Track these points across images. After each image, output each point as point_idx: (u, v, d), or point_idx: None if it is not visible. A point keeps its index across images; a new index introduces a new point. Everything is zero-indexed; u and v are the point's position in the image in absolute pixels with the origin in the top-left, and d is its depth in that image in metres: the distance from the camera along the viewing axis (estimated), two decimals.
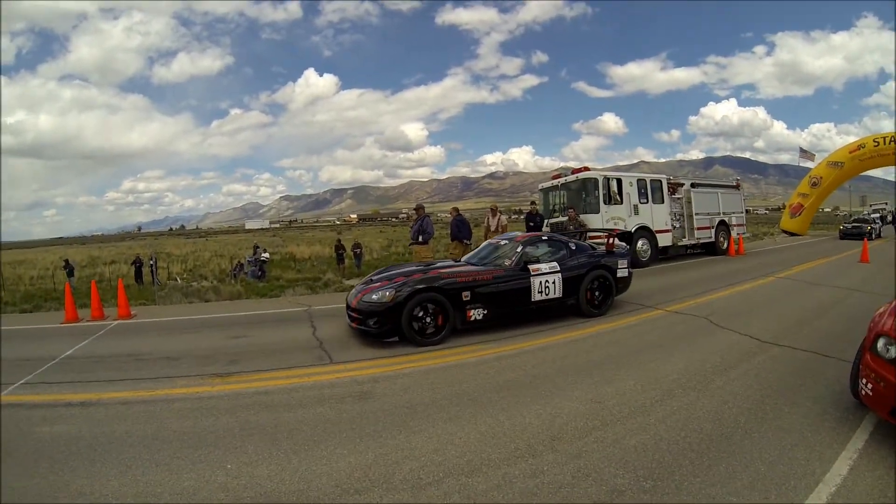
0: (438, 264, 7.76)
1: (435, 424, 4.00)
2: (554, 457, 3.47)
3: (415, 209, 12.23)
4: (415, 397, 4.58)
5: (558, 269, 7.24)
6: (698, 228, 16.63)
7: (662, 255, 14.74)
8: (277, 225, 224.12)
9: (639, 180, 14.51)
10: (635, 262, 11.99)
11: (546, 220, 14.26)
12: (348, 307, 6.76)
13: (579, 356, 5.76)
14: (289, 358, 6.06)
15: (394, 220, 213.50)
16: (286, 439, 3.89)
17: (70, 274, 23.02)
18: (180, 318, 9.44)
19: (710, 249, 17.51)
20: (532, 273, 7.01)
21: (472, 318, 6.49)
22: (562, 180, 14.98)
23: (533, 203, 14.94)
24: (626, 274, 8.10)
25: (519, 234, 8.50)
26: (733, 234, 18.06)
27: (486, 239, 13.16)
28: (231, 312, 9.81)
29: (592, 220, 12.82)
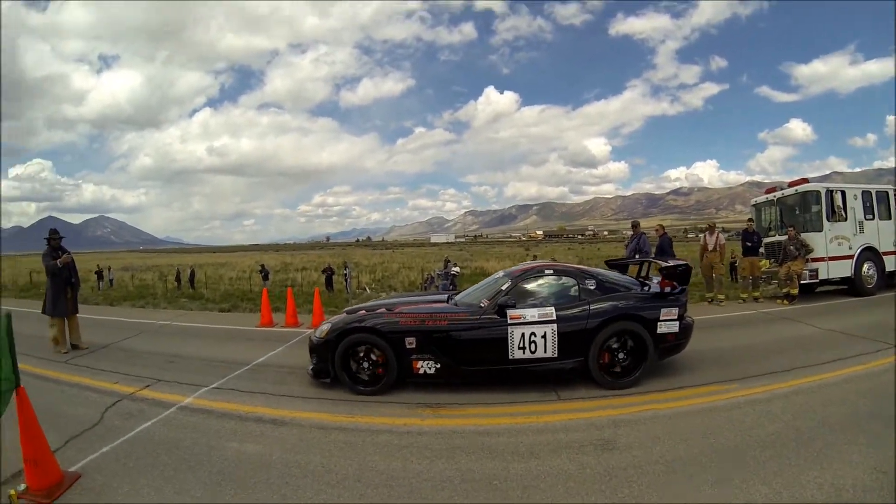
0: (414, 298, 6.95)
1: (700, 489, 3.44)
2: None
3: (632, 226, 12.25)
4: (668, 451, 4.03)
5: (553, 317, 5.57)
6: None
7: (890, 281, 13.31)
8: (462, 239, 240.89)
9: (864, 192, 13.48)
10: (859, 290, 11.69)
11: (762, 240, 13.69)
12: None
13: (845, 405, 4.92)
14: (509, 390, 5.54)
15: (580, 237, 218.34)
16: (520, 498, 3.37)
17: (265, 278, 25.41)
18: None
19: None
20: (510, 321, 5.53)
21: (421, 371, 5.58)
22: (777, 194, 14.38)
23: (749, 220, 14.31)
24: (675, 329, 5.80)
25: (533, 263, 7.01)
26: None
27: (701, 261, 12.26)
28: None
29: (815, 240, 12.24)
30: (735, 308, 10.77)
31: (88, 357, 7.57)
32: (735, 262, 16.37)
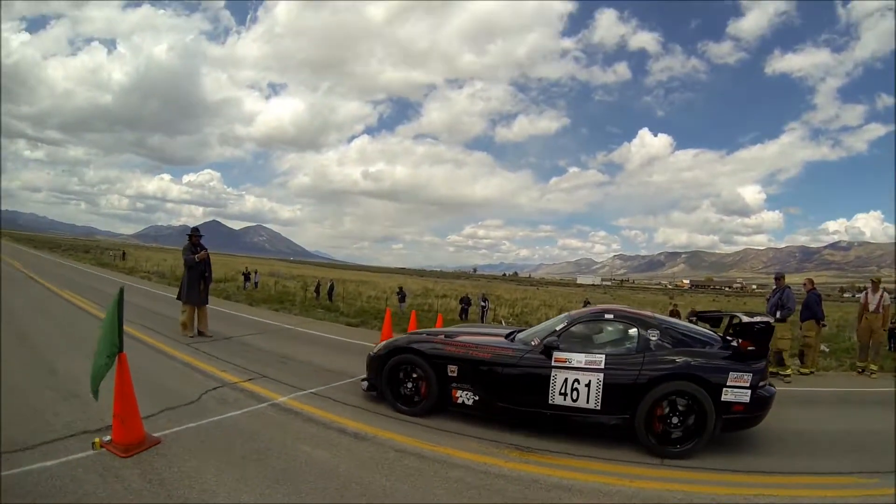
0: (478, 330, 7.27)
1: None
2: None
3: (775, 278, 11.25)
4: None
5: (601, 365, 5.28)
6: None
7: None
8: (609, 283, 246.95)
9: None
10: None
11: None
12: None
13: None
14: (610, 445, 5.22)
15: (727, 289, 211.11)
16: None
17: (402, 300, 27.11)
18: None
19: None
20: (555, 363, 5.36)
21: (460, 401, 5.66)
22: None
23: None
24: (745, 399, 5.08)
25: (600, 307, 6.43)
26: None
27: (859, 323, 10.75)
28: None
29: None
30: (888, 383, 9.21)
31: (209, 344, 8.55)
32: None
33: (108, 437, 3.98)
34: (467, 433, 5.18)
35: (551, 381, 5.33)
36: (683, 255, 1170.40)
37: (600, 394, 5.23)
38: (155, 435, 4.21)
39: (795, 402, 7.36)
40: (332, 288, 28.59)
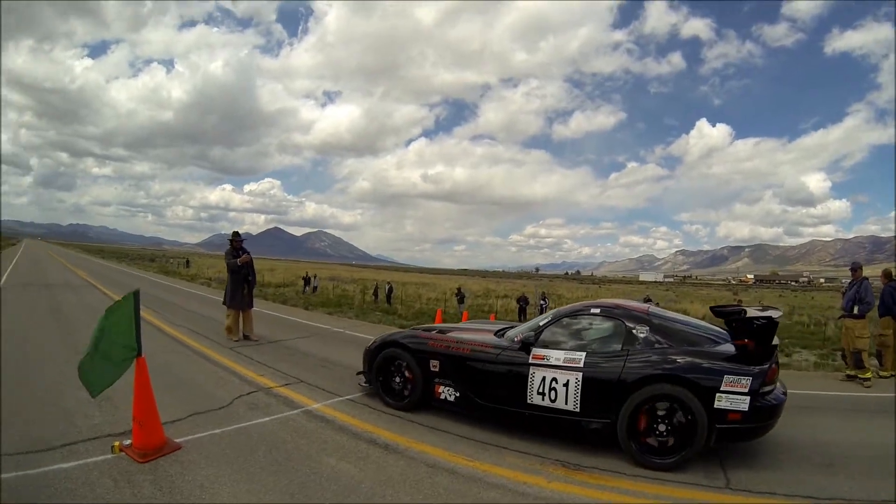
0: (473, 326, 7.31)
1: None
2: None
3: (851, 269, 10.50)
4: None
5: (580, 364, 5.03)
6: None
7: None
8: (671, 279, 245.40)
9: None
10: None
11: None
12: None
13: None
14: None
15: (793, 283, 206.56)
16: None
17: (461, 301, 28.47)
18: None
19: None
20: (532, 361, 5.21)
21: (442, 397, 5.77)
22: None
23: None
24: (743, 407, 4.55)
25: (593, 303, 5.99)
26: None
27: None
28: None
29: None
30: None
31: (253, 348, 8.69)
32: None
33: (129, 442, 4.01)
34: (510, 447, 4.91)
35: (529, 380, 5.21)
36: (747, 249, 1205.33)
37: (579, 394, 4.98)
38: (177, 440, 4.23)
39: (866, 411, 6.71)
40: (390, 290, 29.07)
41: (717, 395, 4.56)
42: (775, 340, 4.98)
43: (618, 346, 5.12)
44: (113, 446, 3.97)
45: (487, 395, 5.50)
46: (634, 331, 5.12)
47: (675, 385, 4.66)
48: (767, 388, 4.70)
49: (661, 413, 4.73)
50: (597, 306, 5.62)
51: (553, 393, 5.07)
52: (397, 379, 6.04)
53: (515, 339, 5.57)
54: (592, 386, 4.94)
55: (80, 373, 3.96)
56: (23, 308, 12.03)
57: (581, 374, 4.99)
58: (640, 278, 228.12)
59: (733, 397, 4.53)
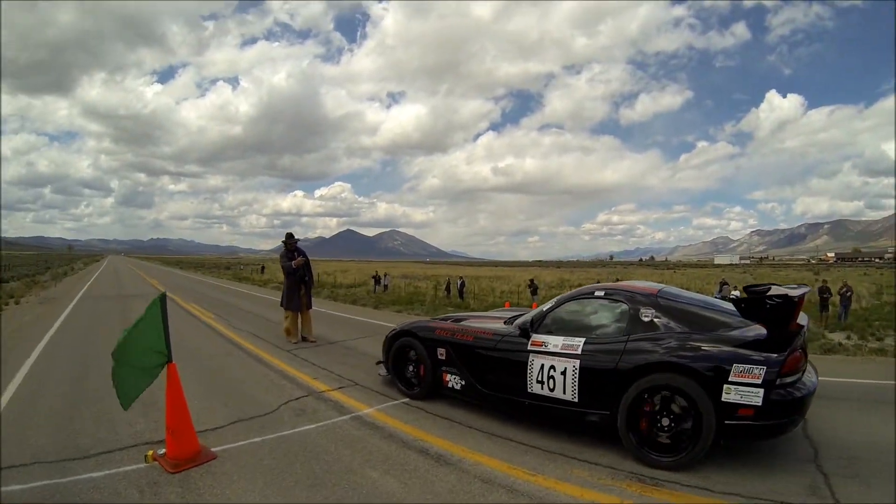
0: (488, 315, 7.39)
1: None
2: None
3: None
4: None
5: (578, 350, 4.79)
6: None
7: None
8: (747, 261, 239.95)
9: None
10: None
11: None
12: None
13: None
14: (765, 471, 4.27)
15: (877, 260, 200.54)
16: None
17: (534, 293, 28.32)
18: None
19: None
20: (531, 347, 5.08)
21: (450, 385, 5.86)
22: None
23: None
24: (756, 401, 4.02)
25: (597, 285, 5.83)
26: None
27: None
28: None
29: None
30: None
31: (310, 350, 8.70)
32: None
33: (163, 451, 3.98)
34: (578, 456, 4.50)
35: (528, 368, 5.12)
36: (826, 226, 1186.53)
37: (576, 383, 4.79)
38: (214, 450, 4.17)
39: None
40: (462, 285, 29.26)
41: (725, 386, 4.16)
42: (803, 321, 4.58)
43: (620, 332, 4.86)
44: (146, 455, 3.96)
45: (489, 382, 5.52)
46: (639, 314, 4.83)
47: (678, 374, 4.33)
48: (788, 379, 4.19)
49: (664, 406, 4.42)
50: (601, 289, 5.40)
51: (552, 381, 4.95)
52: (410, 368, 6.25)
53: (515, 325, 5.55)
54: (590, 375, 4.76)
55: (113, 382, 3.95)
56: (95, 318, 12.84)
57: (578, 361, 4.81)
58: (716, 261, 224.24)
59: (744, 389, 4.11)
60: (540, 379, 5.03)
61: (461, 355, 5.78)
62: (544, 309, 5.47)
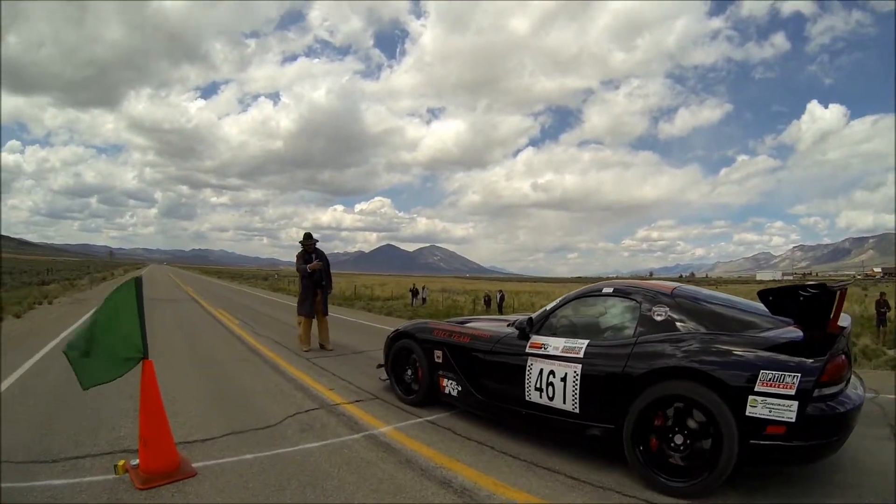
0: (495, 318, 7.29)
1: None
2: None
3: None
4: None
5: (580, 353, 4.24)
6: None
7: None
8: (790, 277, 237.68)
9: None
10: None
11: None
12: None
13: None
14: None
15: None
16: None
17: None
18: None
19: None
20: (529, 350, 4.57)
21: (447, 391, 5.50)
22: None
23: None
24: (790, 416, 3.25)
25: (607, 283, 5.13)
26: None
27: None
28: None
29: None
30: None
31: (329, 359, 8.27)
32: None
33: (136, 462, 3.51)
34: (603, 483, 3.81)
35: (527, 373, 4.68)
36: (871, 240, 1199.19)
37: (577, 391, 4.28)
38: (196, 465, 3.66)
39: None
40: (502, 298, 29.69)
41: (751, 397, 3.47)
42: (845, 322, 3.83)
43: (629, 332, 4.36)
44: (117, 466, 3.47)
45: (485, 388, 5.17)
46: (651, 312, 4.29)
47: (693, 382, 3.70)
48: (828, 390, 3.47)
49: (675, 420, 3.80)
50: (611, 286, 4.89)
51: (551, 389, 4.47)
52: (409, 371, 6.01)
53: (514, 325, 5.19)
54: (592, 382, 4.26)
55: (67, 358, 3.43)
56: None
57: (580, 366, 4.32)
58: (758, 277, 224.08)
59: (773, 401, 3.41)
60: (538, 386, 4.57)
61: (457, 358, 5.46)
62: (547, 308, 5.08)
